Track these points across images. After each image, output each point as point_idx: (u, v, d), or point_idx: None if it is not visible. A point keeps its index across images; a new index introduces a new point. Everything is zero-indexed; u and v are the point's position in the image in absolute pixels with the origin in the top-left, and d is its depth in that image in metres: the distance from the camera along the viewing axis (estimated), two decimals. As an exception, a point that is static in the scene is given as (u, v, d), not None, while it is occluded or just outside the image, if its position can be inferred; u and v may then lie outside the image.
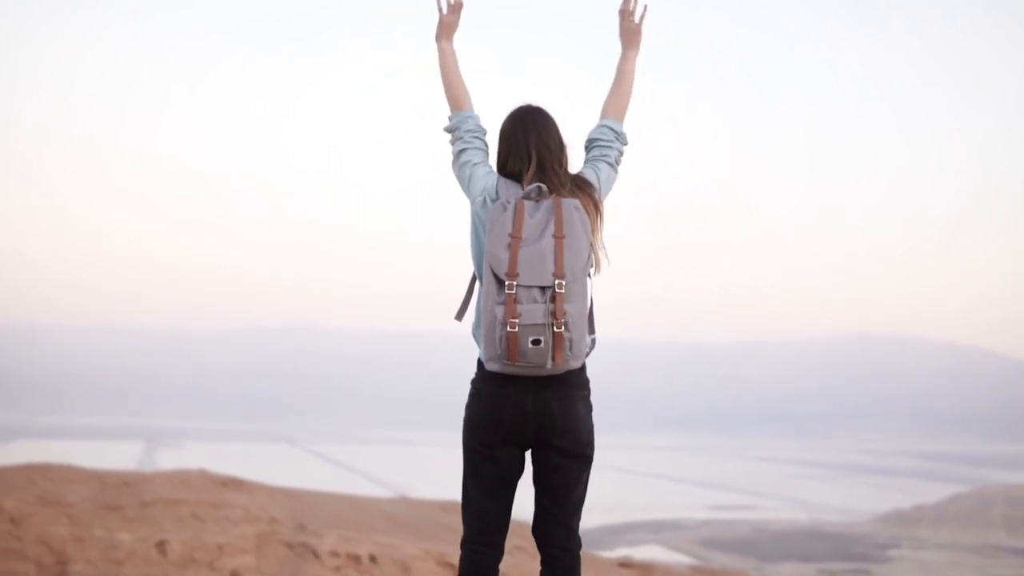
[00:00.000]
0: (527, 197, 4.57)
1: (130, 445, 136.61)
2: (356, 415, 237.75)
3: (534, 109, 4.89)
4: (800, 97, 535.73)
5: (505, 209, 4.51)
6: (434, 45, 5.14)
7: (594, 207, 4.69)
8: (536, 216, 4.50)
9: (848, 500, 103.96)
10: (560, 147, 4.81)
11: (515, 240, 4.43)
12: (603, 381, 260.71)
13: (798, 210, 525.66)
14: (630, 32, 5.23)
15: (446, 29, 5.14)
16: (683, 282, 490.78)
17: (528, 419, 4.60)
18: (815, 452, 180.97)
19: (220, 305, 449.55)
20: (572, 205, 4.54)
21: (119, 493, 18.46)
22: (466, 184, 4.84)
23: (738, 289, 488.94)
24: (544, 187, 4.60)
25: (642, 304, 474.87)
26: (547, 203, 4.54)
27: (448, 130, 5.00)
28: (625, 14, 5.22)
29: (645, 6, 5.22)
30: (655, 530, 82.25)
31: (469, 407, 4.72)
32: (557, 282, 4.38)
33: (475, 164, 4.85)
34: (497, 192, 4.71)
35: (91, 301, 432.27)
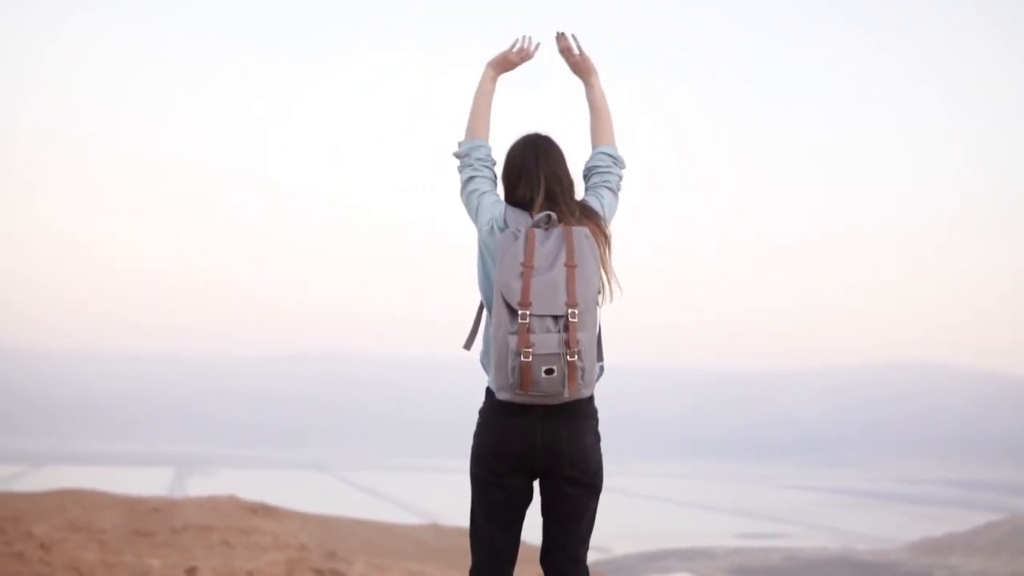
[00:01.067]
0: (536, 225, 4.55)
1: (160, 471, 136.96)
2: (387, 442, 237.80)
3: (543, 138, 4.88)
4: (796, 96, 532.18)
5: (516, 238, 4.48)
6: (481, 68, 5.09)
7: (602, 235, 4.69)
8: (547, 245, 4.48)
9: (879, 528, 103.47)
10: (569, 178, 4.82)
11: (527, 269, 4.40)
12: (632, 408, 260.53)
13: (806, 220, 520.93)
14: (579, 65, 5.23)
15: (502, 64, 5.12)
16: (711, 307, 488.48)
17: (536, 450, 4.58)
18: (846, 480, 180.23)
19: (248, 332, 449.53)
20: (582, 233, 4.52)
21: (149, 519, 18.48)
22: (474, 212, 4.82)
23: (765, 314, 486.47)
24: (554, 215, 4.58)
25: (671, 330, 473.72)
26: (557, 231, 4.53)
27: (458, 155, 4.96)
28: (566, 52, 5.21)
29: (573, 36, 5.20)
30: (686, 558, 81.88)
31: (477, 436, 4.69)
32: (570, 311, 4.36)
33: (483, 193, 4.83)
34: (506, 221, 4.68)
35: (116, 328, 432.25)
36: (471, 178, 4.86)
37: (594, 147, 5.08)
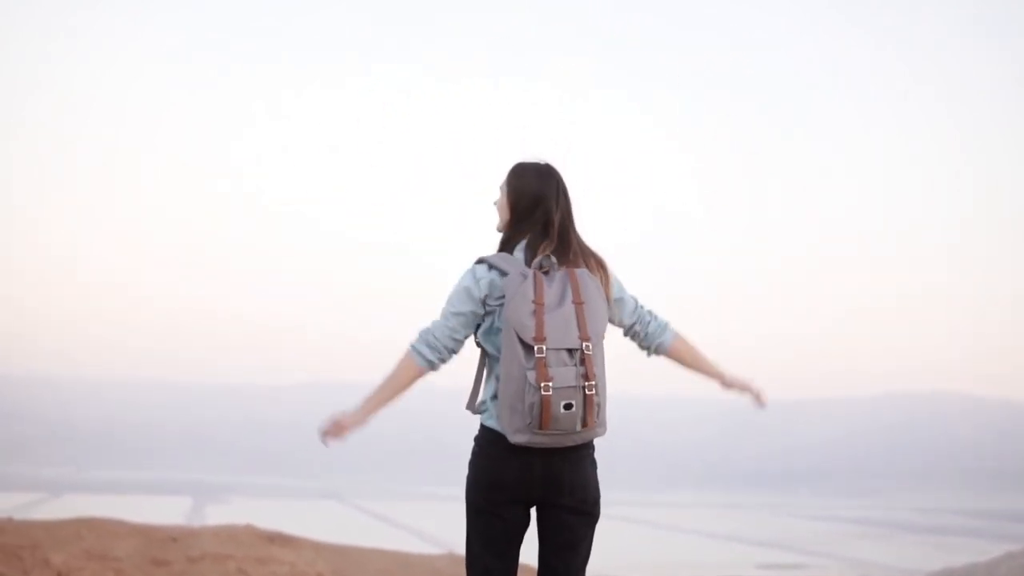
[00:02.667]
0: (539, 268, 4.55)
1: (177, 500, 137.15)
2: (403, 470, 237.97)
3: (557, 172, 4.82)
4: (799, 104, 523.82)
5: (525, 278, 4.47)
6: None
7: (602, 270, 4.73)
8: (553, 285, 4.48)
9: (900, 558, 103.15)
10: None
11: (539, 306, 4.40)
12: (647, 437, 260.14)
13: (818, 245, 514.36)
14: (735, 383, 5.53)
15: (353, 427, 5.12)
16: (726, 335, 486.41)
17: (535, 479, 4.56)
18: (866, 510, 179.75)
19: (264, 360, 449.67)
20: (585, 274, 4.54)
21: (166, 548, 18.46)
22: (491, 311, 4.68)
23: (780, 342, 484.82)
24: (553, 259, 4.59)
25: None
26: (560, 274, 4.53)
27: (439, 350, 4.75)
28: (748, 387, 5.58)
29: (763, 394, 5.65)
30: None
31: (474, 465, 4.67)
32: (584, 344, 4.37)
33: (476, 303, 4.69)
34: (501, 271, 4.62)
35: (130, 357, 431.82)
36: (463, 324, 4.72)
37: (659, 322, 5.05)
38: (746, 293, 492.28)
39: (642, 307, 4.95)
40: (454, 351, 4.71)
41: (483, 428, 4.64)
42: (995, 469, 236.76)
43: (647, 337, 4.96)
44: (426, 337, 4.69)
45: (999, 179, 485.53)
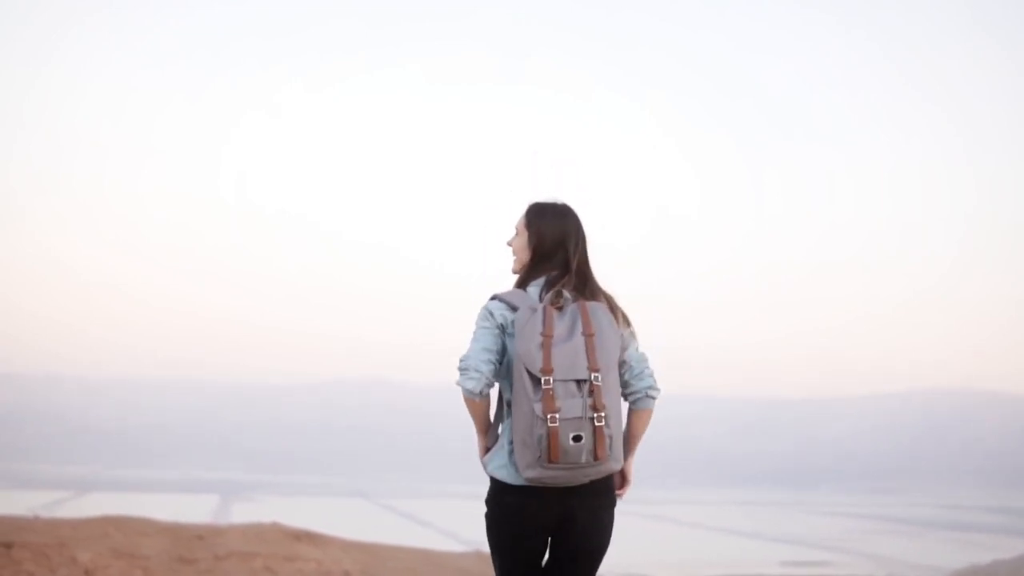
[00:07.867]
0: (552, 303, 4.51)
1: (204, 498, 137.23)
2: (429, 469, 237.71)
3: (573, 211, 4.78)
4: (800, 101, 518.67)
5: (534, 312, 4.44)
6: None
7: (618, 311, 4.66)
8: (564, 319, 4.45)
9: (924, 555, 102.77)
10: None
11: (547, 339, 4.37)
12: (670, 435, 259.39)
13: (845, 241, 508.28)
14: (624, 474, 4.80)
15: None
16: (747, 332, 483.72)
17: (553, 525, 4.51)
18: (888, 506, 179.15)
19: (290, 360, 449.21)
20: (597, 306, 4.51)
21: (193, 546, 18.53)
22: (505, 342, 4.59)
23: (804, 339, 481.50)
24: (567, 294, 4.57)
25: (707, 356, 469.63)
26: (572, 308, 4.50)
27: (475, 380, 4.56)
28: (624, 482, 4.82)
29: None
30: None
31: (492, 520, 4.59)
32: (593, 375, 4.32)
33: (496, 335, 4.58)
34: (511, 307, 4.57)
35: (155, 358, 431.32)
36: (492, 338, 4.58)
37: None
38: (752, 293, 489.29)
39: (644, 363, 4.71)
40: (488, 373, 4.54)
41: (491, 481, 4.57)
42: (1017, 466, 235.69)
43: (625, 386, 4.69)
44: (461, 365, 4.57)
45: (1003, 174, 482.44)
